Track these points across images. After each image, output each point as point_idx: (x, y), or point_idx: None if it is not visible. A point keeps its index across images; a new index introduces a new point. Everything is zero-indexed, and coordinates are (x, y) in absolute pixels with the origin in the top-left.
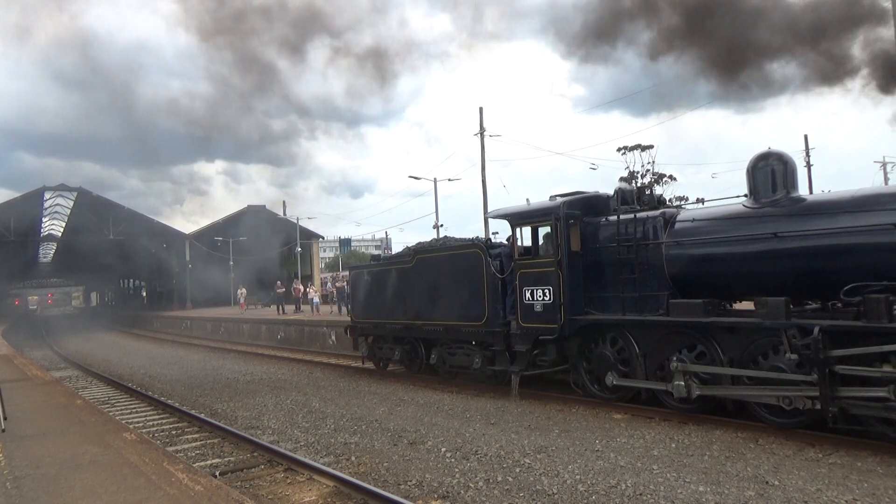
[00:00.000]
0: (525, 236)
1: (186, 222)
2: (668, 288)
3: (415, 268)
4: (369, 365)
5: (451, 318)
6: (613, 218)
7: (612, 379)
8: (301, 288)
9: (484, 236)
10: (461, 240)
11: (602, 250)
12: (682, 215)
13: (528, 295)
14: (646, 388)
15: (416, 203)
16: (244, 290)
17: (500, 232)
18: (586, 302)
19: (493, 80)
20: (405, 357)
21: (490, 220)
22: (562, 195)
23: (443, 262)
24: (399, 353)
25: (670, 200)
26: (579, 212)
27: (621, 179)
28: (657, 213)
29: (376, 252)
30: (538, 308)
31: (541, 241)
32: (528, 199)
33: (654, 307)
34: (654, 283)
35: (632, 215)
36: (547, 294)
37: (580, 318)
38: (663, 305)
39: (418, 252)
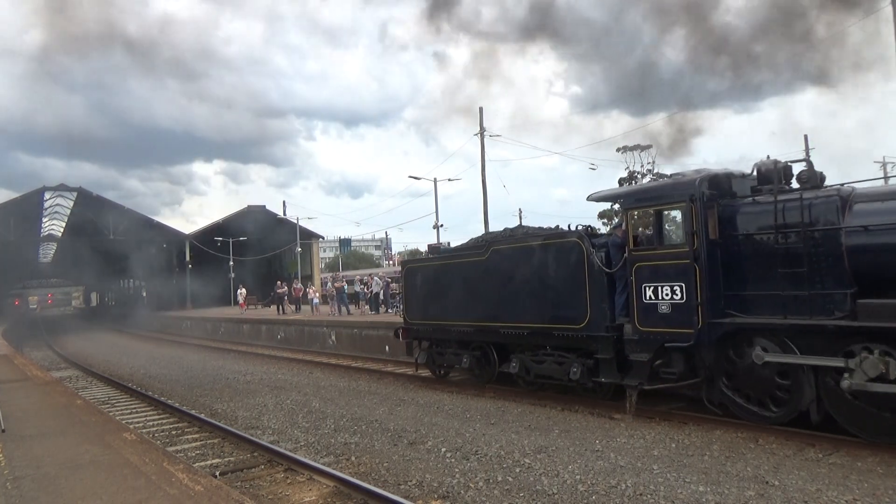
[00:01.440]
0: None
1: (186, 222)
2: (848, 285)
3: (489, 261)
4: (424, 372)
5: (539, 319)
6: (763, 198)
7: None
8: (301, 288)
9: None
10: (547, 229)
11: (745, 239)
12: (861, 194)
13: (648, 293)
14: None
15: (416, 203)
16: (244, 291)
17: None
18: (725, 302)
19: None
20: (474, 364)
21: (490, 221)
22: (676, 174)
23: (527, 254)
24: (468, 360)
25: None
26: (716, 191)
27: (621, 180)
28: (830, 192)
29: (377, 252)
30: (664, 309)
31: (666, 228)
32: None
33: (829, 309)
34: (829, 279)
35: (795, 195)
36: (677, 292)
37: (724, 321)
38: (844, 307)
39: (493, 243)
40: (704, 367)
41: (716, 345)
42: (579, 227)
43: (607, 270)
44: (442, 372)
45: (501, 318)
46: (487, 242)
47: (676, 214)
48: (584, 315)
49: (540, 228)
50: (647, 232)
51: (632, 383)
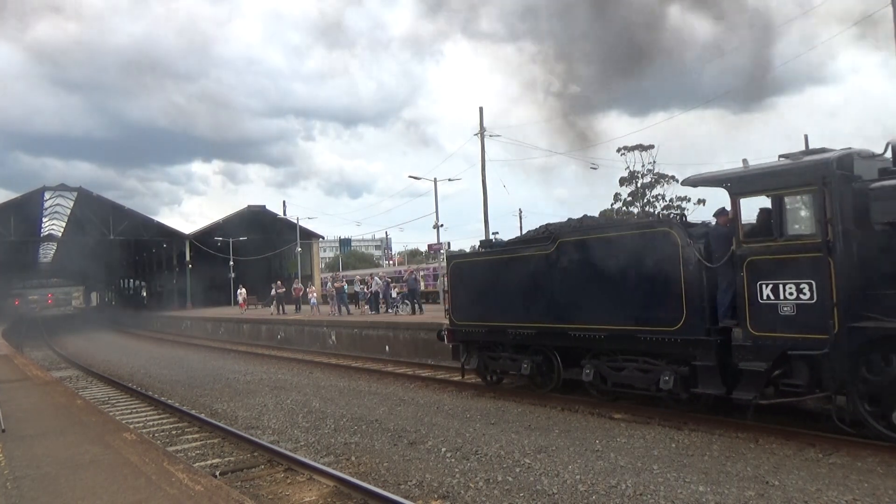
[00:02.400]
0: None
1: (186, 222)
2: None
3: (557, 255)
4: (472, 378)
5: (620, 321)
6: None
7: None
8: (301, 288)
9: (485, 236)
10: (627, 218)
11: (889, 228)
12: None
13: (766, 292)
14: None
15: (416, 203)
16: (244, 291)
17: (501, 232)
18: (862, 303)
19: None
20: (535, 371)
21: (490, 221)
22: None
23: (605, 246)
24: (528, 366)
25: (671, 201)
26: (850, 173)
27: (622, 180)
28: None
29: (377, 252)
30: (787, 310)
31: (788, 215)
32: (744, 161)
33: None
34: None
35: None
36: (805, 291)
37: (867, 326)
38: None
39: (562, 234)
40: (835, 380)
41: (854, 353)
42: (671, 215)
43: (709, 265)
44: (493, 378)
45: (571, 319)
46: (553, 234)
47: (803, 200)
48: (678, 316)
49: (620, 218)
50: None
51: (745, 396)
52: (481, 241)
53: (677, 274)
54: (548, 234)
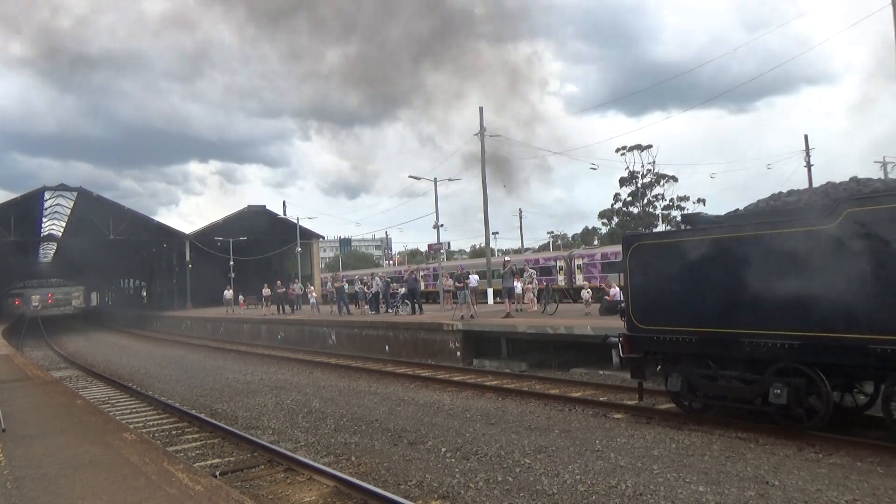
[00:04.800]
0: None
1: (184, 222)
2: None
3: (842, 231)
4: (660, 403)
5: None
6: None
7: None
8: (295, 289)
9: (485, 236)
10: None
11: None
12: None
13: None
14: None
15: (415, 203)
16: (230, 292)
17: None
18: None
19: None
20: (792, 399)
21: (490, 220)
22: None
23: None
24: (782, 392)
25: (671, 201)
26: None
27: (622, 180)
28: None
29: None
30: None
31: None
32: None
33: None
34: None
35: None
36: None
37: None
38: None
39: (852, 200)
40: None
41: None
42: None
43: None
44: (692, 404)
45: (870, 327)
46: (835, 201)
47: None
48: None
49: None
50: None
51: None
52: (683, 216)
53: None
54: (824, 202)
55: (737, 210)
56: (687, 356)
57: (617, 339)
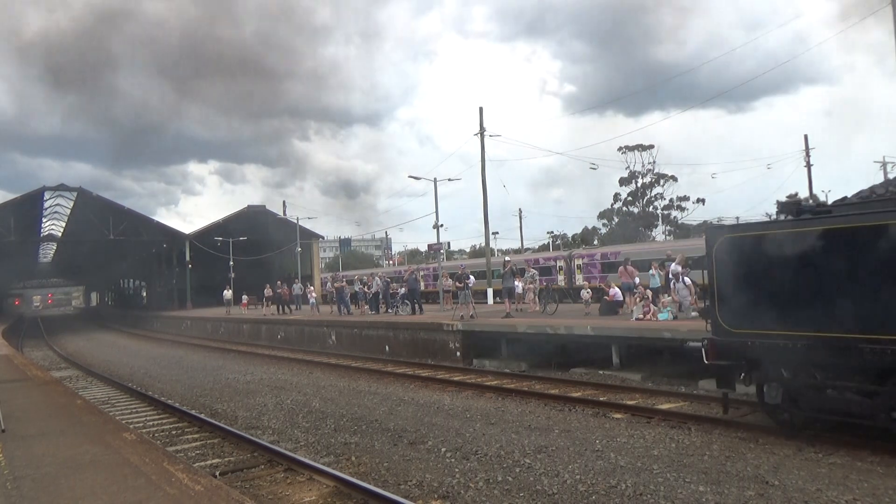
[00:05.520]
0: None
1: (183, 222)
2: None
3: None
4: (751, 418)
5: None
6: None
7: None
8: (289, 290)
9: (485, 236)
10: None
11: None
12: None
13: None
14: None
15: (415, 203)
16: (229, 292)
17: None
18: None
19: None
20: None
21: (490, 220)
22: None
23: None
24: None
25: (671, 201)
26: None
27: (622, 180)
28: None
29: (377, 252)
30: None
31: None
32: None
33: None
34: None
35: None
36: None
37: None
38: None
39: None
40: None
41: None
42: None
43: None
44: (796, 420)
45: None
46: None
47: None
48: None
49: None
50: None
51: None
52: (781, 204)
53: None
54: None
55: (844, 198)
56: (788, 364)
57: (700, 344)
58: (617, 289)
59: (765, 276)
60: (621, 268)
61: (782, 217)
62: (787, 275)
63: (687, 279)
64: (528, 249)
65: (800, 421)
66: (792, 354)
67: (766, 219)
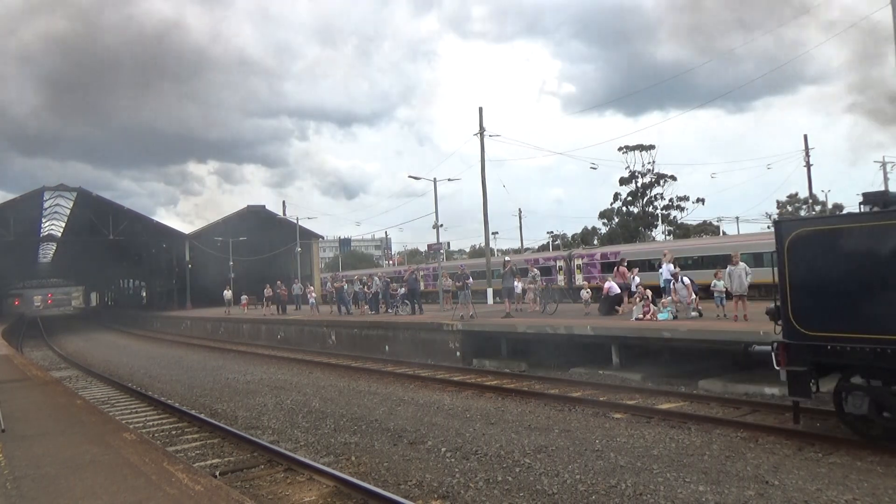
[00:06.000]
0: None
1: (183, 222)
2: None
3: None
4: (817, 426)
5: None
6: None
7: None
8: (293, 289)
9: (485, 236)
10: None
11: None
12: None
13: None
14: None
15: (415, 203)
16: (229, 292)
17: (500, 232)
18: None
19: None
20: None
21: (490, 221)
22: None
23: None
24: None
25: (671, 201)
26: None
27: (622, 180)
28: None
29: (377, 252)
30: None
31: None
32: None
33: None
34: None
35: None
36: None
37: None
38: None
39: None
40: None
41: None
42: None
43: None
44: (878, 431)
45: None
46: None
47: None
48: None
49: None
50: None
51: None
52: (866, 195)
53: None
54: None
55: None
56: (876, 370)
57: (770, 348)
58: (612, 282)
59: (849, 274)
60: (615, 269)
61: (867, 209)
62: (876, 271)
63: (686, 279)
64: (527, 249)
65: (863, 431)
66: (885, 361)
67: (796, 216)
